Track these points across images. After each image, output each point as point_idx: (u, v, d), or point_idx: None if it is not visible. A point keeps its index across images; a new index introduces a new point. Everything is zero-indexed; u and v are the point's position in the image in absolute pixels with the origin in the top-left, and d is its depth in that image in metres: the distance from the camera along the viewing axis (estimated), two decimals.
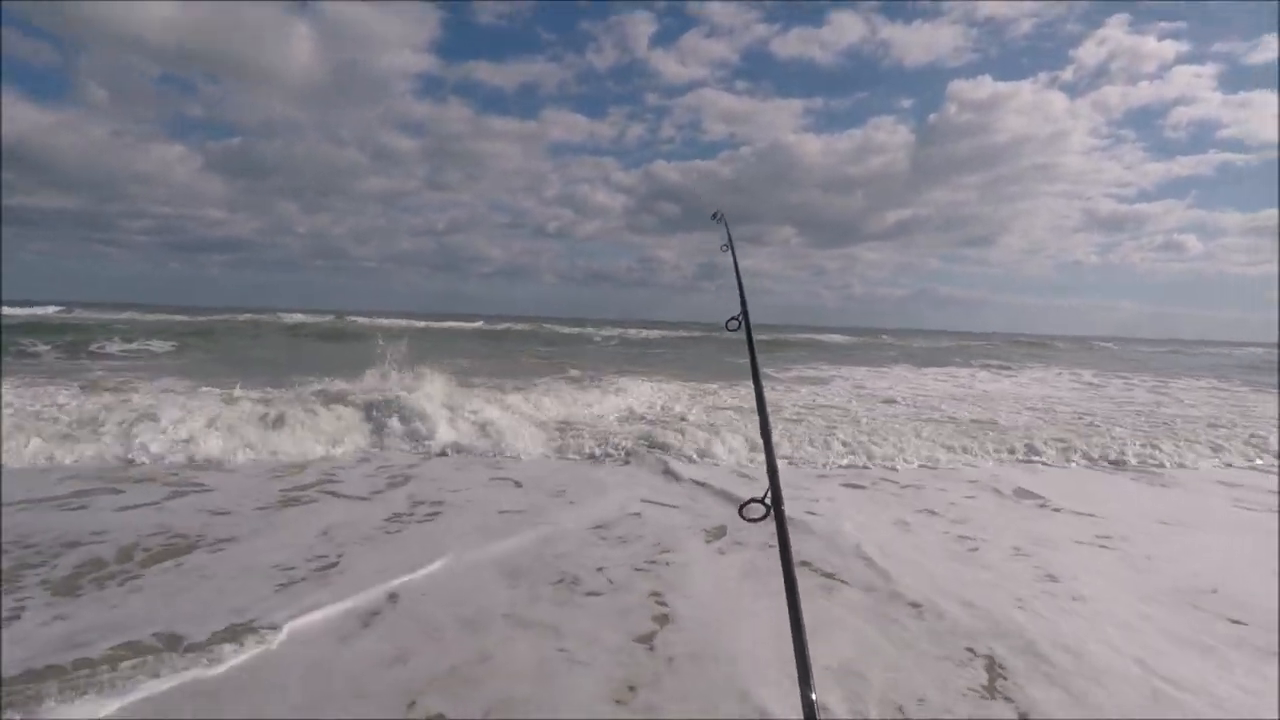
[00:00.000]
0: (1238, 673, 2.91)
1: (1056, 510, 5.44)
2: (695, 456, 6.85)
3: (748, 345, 1.48)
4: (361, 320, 36.30)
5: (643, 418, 9.25)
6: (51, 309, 40.58)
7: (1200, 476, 6.96)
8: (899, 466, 6.85)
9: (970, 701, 2.59)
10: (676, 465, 6.50)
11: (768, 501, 1.23)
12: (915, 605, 3.44)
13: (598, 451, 6.97)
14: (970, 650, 2.98)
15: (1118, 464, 7.31)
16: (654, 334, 39.53)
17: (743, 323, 1.57)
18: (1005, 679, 2.76)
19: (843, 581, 3.76)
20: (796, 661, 1.02)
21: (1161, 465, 7.34)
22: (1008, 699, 2.61)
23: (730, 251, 1.98)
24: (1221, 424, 10.09)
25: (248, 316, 37.50)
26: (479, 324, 44.14)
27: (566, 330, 39.92)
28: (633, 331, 41.87)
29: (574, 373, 14.76)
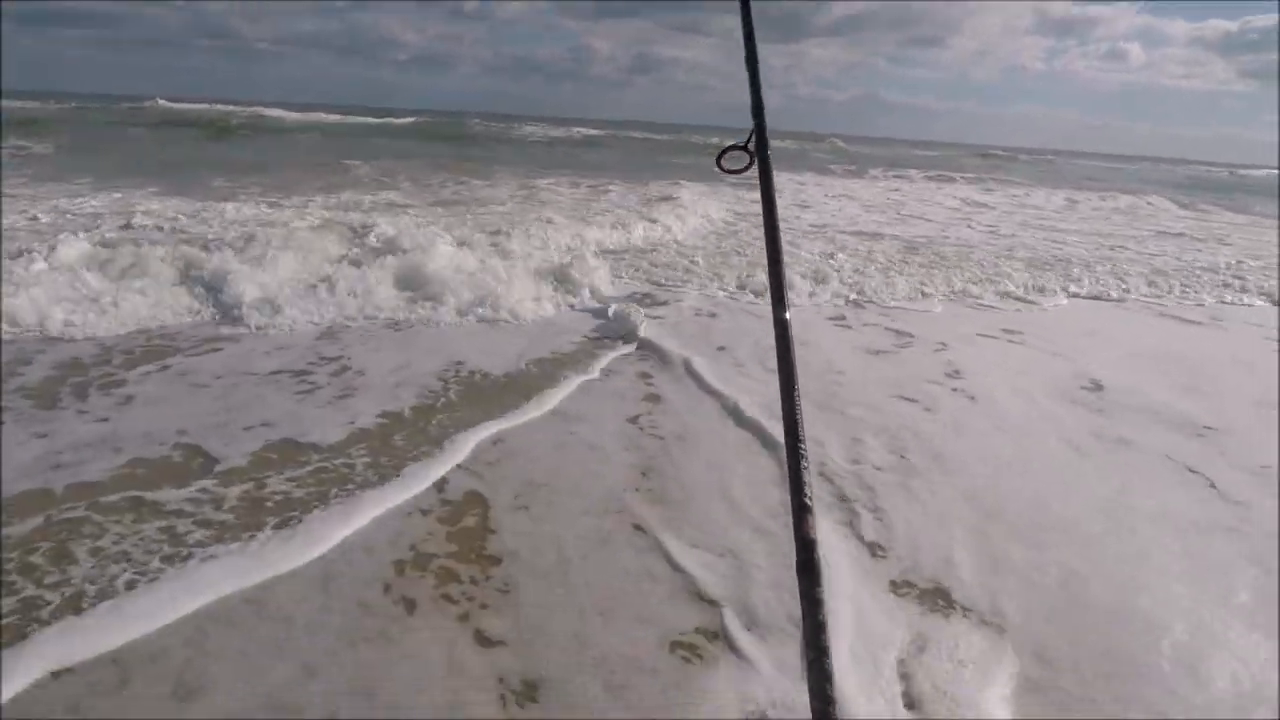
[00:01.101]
0: None
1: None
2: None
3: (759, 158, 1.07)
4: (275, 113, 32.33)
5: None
6: None
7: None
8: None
9: None
10: None
11: (751, 148, 1.06)
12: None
13: None
14: None
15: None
16: (602, 133, 37.02)
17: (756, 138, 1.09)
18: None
19: None
20: (770, 284, 0.91)
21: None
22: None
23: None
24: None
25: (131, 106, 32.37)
26: (410, 120, 39.15)
27: (515, 129, 36.02)
28: (585, 130, 38.57)
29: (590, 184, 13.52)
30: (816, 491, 2.13)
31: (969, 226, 12.08)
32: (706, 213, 10.20)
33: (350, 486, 2.59)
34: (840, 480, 2.88)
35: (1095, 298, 7.15)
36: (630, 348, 4.37)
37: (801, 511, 0.91)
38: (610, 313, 4.97)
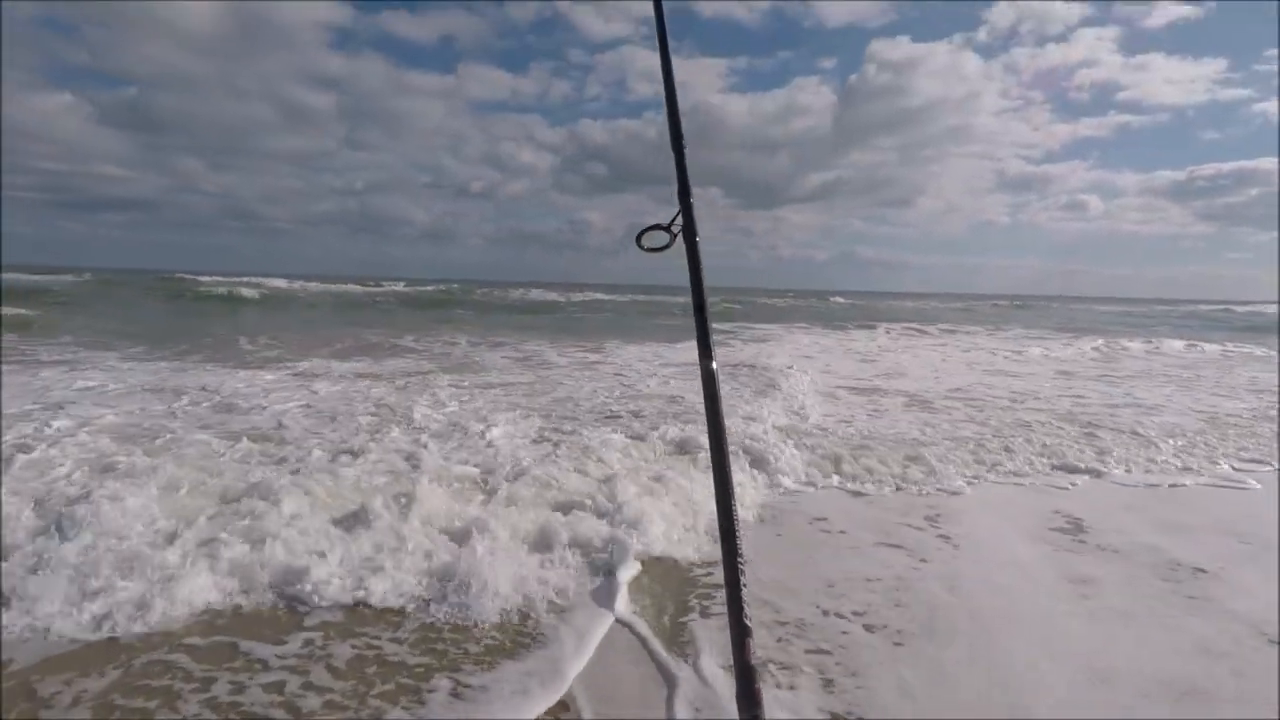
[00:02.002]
0: None
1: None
2: None
3: (667, 96, 1.22)
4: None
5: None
6: None
7: None
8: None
9: None
10: None
11: (674, 228, 1.13)
12: None
13: None
14: None
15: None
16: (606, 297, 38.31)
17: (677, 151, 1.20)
18: None
19: None
20: (698, 335, 0.94)
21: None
22: None
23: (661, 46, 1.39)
24: None
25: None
26: (432, 287, 40.87)
27: (537, 295, 37.74)
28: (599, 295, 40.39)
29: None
30: None
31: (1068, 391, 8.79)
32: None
33: None
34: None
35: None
36: None
37: (741, 635, 0.87)
38: None
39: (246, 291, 26.78)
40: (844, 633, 2.62)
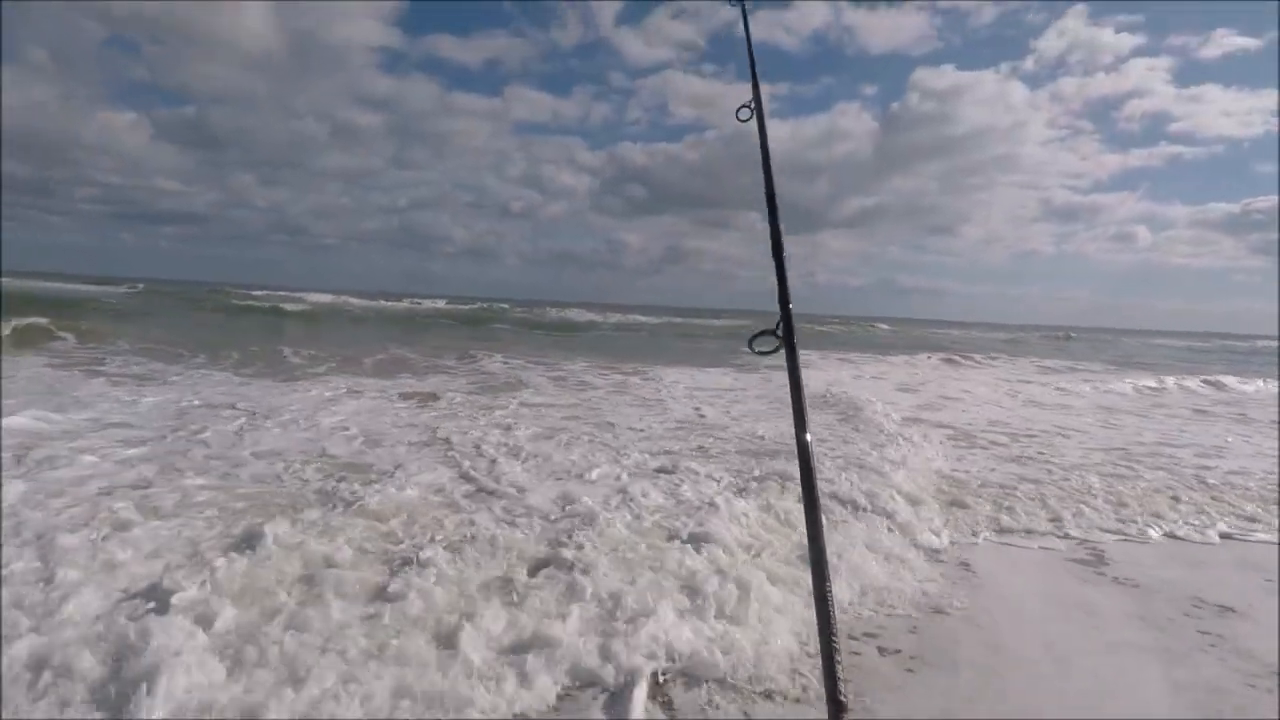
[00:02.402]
0: None
1: None
2: None
3: (759, 135, 1.41)
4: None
5: None
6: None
7: None
8: None
9: None
10: None
11: (779, 333, 1.21)
12: None
13: None
14: None
15: None
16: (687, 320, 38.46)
17: (754, 110, 1.48)
18: None
19: None
20: (810, 549, 1.01)
21: None
22: None
23: (744, 26, 1.79)
24: None
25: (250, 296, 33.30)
26: (486, 307, 41.17)
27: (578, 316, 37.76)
28: (643, 318, 40.43)
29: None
30: None
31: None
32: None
33: None
34: None
35: None
36: None
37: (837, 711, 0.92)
38: None
39: (292, 306, 27.11)
40: (855, 653, 2.64)
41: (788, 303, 1.23)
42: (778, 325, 1.22)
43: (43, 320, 12.73)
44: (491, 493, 4.22)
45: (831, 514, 4.07)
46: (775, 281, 1.24)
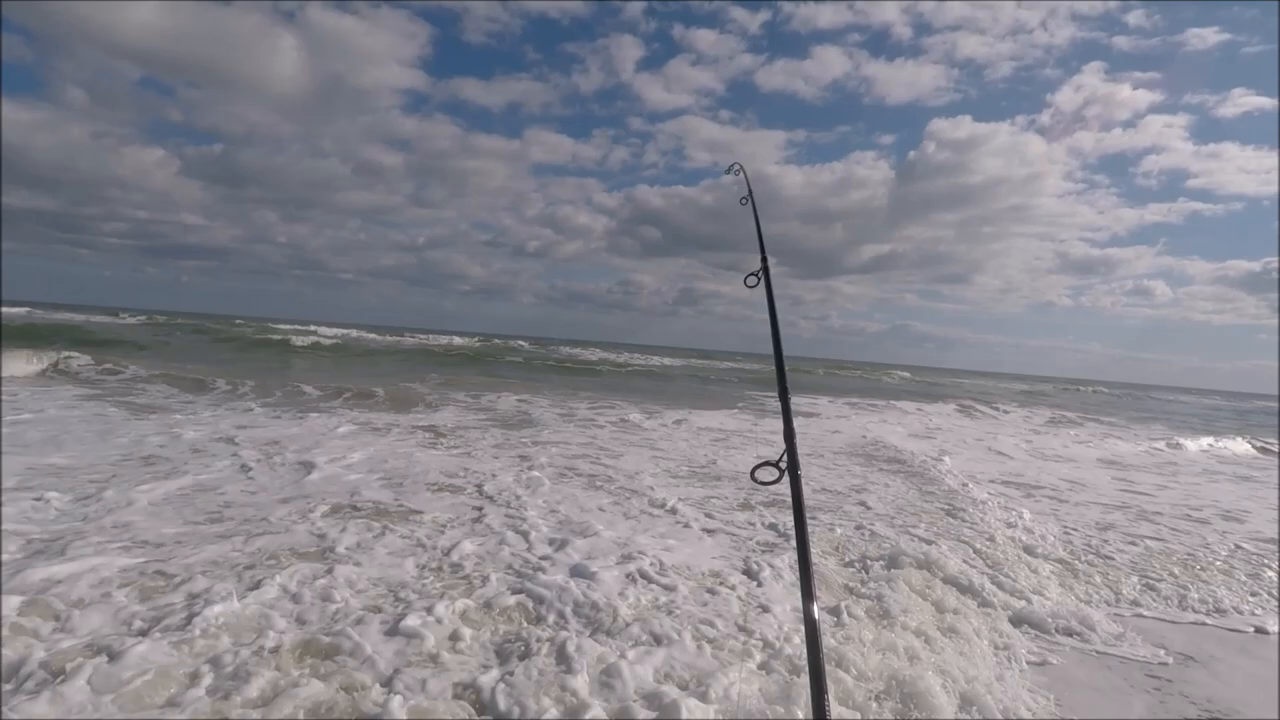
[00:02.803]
0: None
1: None
2: None
3: (768, 300, 1.48)
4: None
5: None
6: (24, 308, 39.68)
7: None
8: None
9: None
10: None
11: (783, 465, 1.22)
12: None
13: None
14: None
15: None
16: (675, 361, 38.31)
17: (762, 278, 1.58)
18: None
19: None
20: (800, 573, 1.01)
21: None
22: None
23: (750, 203, 1.99)
24: None
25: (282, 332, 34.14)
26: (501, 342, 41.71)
27: (592, 355, 37.17)
28: (662, 359, 39.70)
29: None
30: None
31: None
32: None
33: None
34: None
35: None
36: None
37: None
38: None
39: (301, 340, 26.91)
40: None
41: (793, 436, 1.24)
42: (781, 457, 1.24)
43: (78, 355, 13.23)
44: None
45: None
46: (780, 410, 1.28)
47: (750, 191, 2.01)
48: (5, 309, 34.97)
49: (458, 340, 40.03)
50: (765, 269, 1.65)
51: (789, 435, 1.26)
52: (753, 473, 1.22)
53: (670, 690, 2.34)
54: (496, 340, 43.40)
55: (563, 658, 2.54)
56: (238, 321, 40.30)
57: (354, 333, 38.20)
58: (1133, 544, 5.49)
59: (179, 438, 6.70)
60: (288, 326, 38.04)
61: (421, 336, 42.20)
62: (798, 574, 1.18)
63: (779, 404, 1.37)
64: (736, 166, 2.08)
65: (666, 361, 37.77)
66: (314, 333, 32.39)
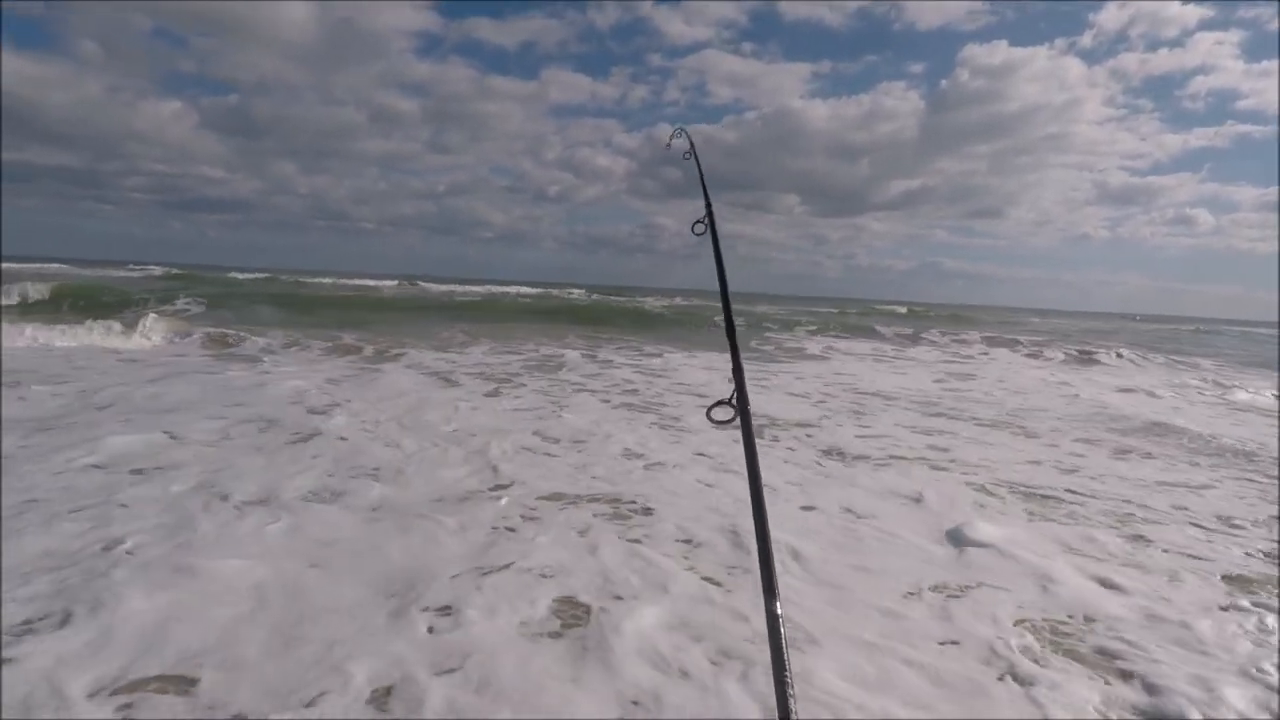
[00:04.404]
0: None
1: None
2: None
3: (714, 248, 1.48)
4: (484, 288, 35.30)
5: None
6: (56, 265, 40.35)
7: None
8: None
9: None
10: None
11: (734, 403, 1.23)
12: None
13: None
14: None
15: None
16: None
17: (708, 225, 1.58)
18: None
19: None
20: (761, 569, 1.03)
21: None
22: None
23: (693, 158, 2.02)
24: None
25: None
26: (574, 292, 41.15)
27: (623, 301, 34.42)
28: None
29: None
30: None
31: None
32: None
33: None
34: None
35: None
36: None
37: None
38: None
39: (349, 293, 26.34)
40: None
41: (742, 375, 1.25)
42: (732, 396, 1.25)
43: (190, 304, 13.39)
44: None
45: None
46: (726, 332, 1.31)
47: (692, 146, 2.06)
48: (45, 266, 35.55)
49: (526, 290, 38.62)
50: (711, 217, 1.69)
51: (737, 370, 1.28)
52: (708, 412, 1.23)
53: None
54: (553, 290, 42.94)
55: None
56: (302, 279, 36.81)
57: (457, 286, 37.30)
58: None
59: None
60: (376, 282, 37.10)
61: (491, 288, 40.23)
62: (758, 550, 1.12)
63: (728, 344, 1.37)
64: (679, 128, 2.16)
65: (691, 304, 35.95)
66: (374, 286, 31.60)
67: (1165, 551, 3.79)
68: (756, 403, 7.29)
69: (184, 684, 2.17)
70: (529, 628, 2.60)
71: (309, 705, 2.07)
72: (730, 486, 4.62)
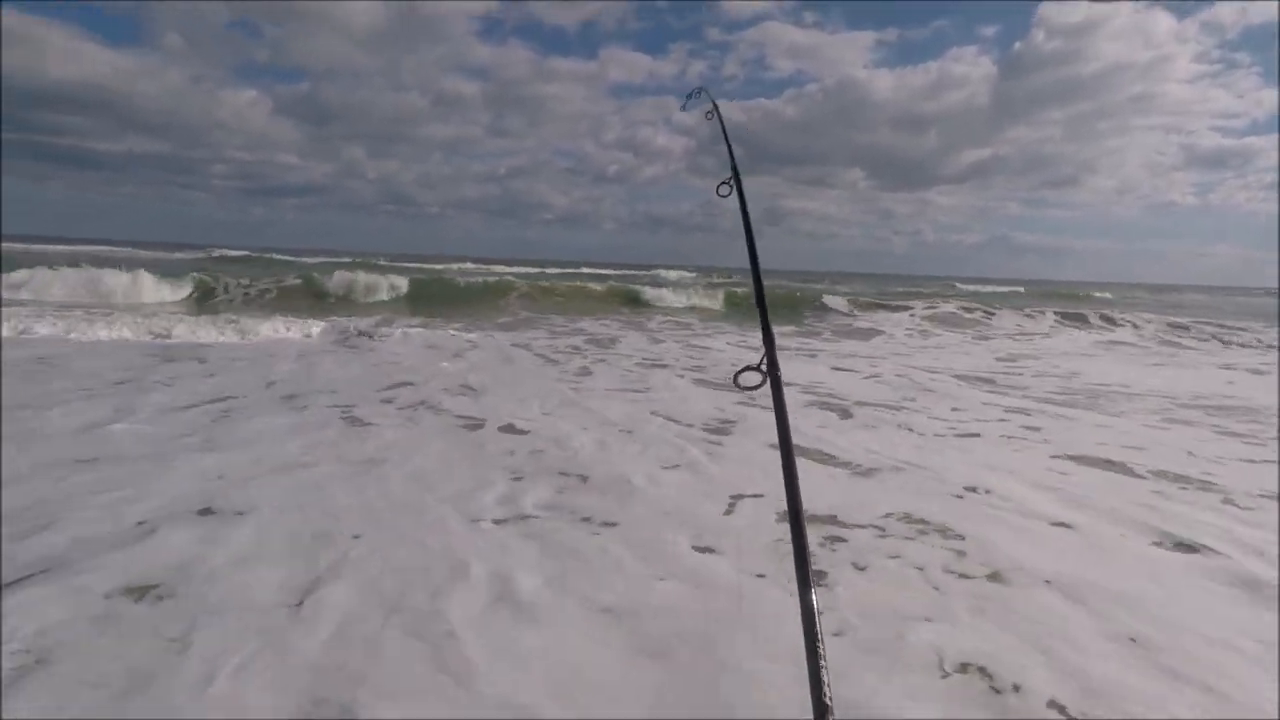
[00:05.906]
0: None
1: None
2: None
3: (741, 209, 1.44)
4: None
5: None
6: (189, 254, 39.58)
7: None
8: None
9: None
10: None
11: (764, 368, 1.20)
12: None
13: None
14: None
15: None
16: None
17: (734, 185, 1.56)
18: None
19: None
20: (795, 554, 0.98)
21: None
22: None
23: (717, 117, 2.00)
24: None
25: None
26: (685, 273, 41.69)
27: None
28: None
29: None
30: None
31: None
32: None
33: None
34: None
35: None
36: None
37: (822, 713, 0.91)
38: None
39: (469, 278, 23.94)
40: None
41: (772, 339, 1.22)
42: (761, 360, 1.22)
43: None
44: None
45: None
46: (759, 314, 1.27)
47: (715, 106, 2.01)
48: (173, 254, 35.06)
49: (603, 272, 37.33)
50: (736, 177, 1.67)
51: (767, 334, 1.24)
52: (736, 378, 1.20)
53: None
54: (638, 270, 43.23)
55: None
56: (408, 264, 35.24)
57: (545, 269, 35.66)
58: None
59: None
60: (491, 267, 35.58)
61: (575, 270, 38.48)
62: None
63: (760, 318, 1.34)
64: (698, 90, 2.10)
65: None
66: (498, 270, 30.55)
67: None
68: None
69: None
70: None
71: None
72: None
